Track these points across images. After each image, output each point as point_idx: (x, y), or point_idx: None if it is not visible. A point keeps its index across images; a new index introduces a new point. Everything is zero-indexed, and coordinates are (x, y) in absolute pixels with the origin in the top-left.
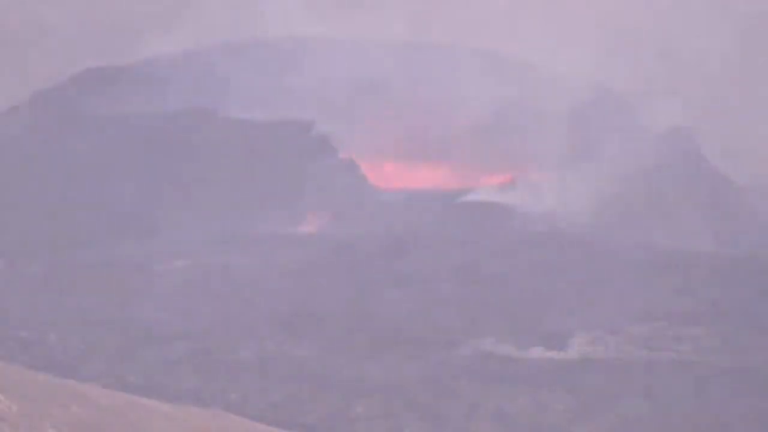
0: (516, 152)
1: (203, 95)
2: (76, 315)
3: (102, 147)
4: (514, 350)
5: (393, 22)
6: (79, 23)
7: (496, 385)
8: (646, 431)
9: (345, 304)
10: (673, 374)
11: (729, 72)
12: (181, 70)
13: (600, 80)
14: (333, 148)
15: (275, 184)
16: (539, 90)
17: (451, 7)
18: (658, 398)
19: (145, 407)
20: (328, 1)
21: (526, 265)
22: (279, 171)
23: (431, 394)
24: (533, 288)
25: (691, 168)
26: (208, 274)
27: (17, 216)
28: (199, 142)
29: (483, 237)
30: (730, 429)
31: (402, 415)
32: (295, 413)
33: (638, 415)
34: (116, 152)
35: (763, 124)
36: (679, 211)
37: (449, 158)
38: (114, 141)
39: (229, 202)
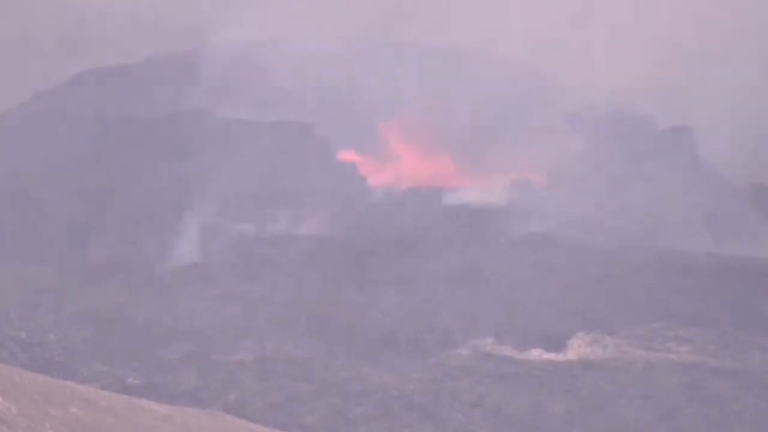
0: (515, 153)
1: (203, 95)
2: (76, 315)
3: (102, 147)
4: (514, 351)
5: (392, 22)
6: (79, 23)
7: (496, 385)
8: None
9: (345, 304)
10: (672, 374)
11: (728, 71)
12: (181, 70)
13: (599, 80)
14: (333, 149)
15: (275, 184)
16: (537, 90)
17: (450, 8)
18: (657, 399)
19: (145, 408)
20: (327, 1)
21: (525, 266)
22: (279, 171)
23: (431, 394)
24: (532, 289)
25: (691, 168)
26: (207, 274)
27: (17, 216)
28: (199, 142)
29: (482, 238)
30: (730, 429)
31: (402, 415)
32: (294, 413)
33: (637, 415)
34: (116, 152)
35: (763, 124)
36: (678, 211)
37: (449, 159)
38: (114, 141)
39: (228, 202)
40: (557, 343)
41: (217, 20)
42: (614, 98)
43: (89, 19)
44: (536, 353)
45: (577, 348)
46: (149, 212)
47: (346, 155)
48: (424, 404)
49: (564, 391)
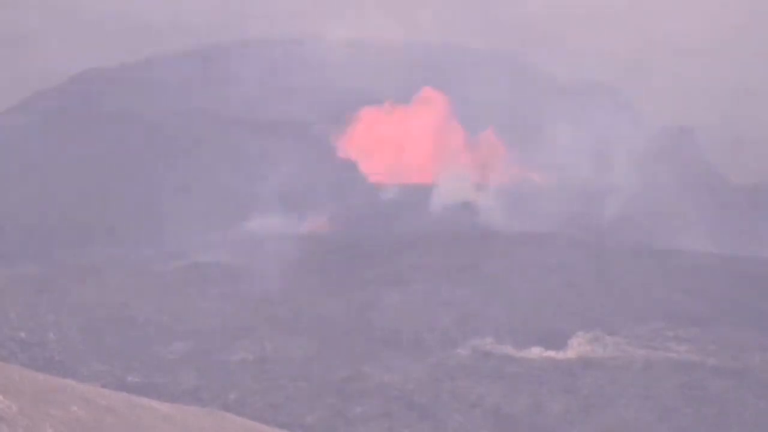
0: (516, 152)
1: (203, 95)
2: (76, 315)
3: (102, 147)
4: (513, 350)
5: (394, 22)
6: (79, 24)
7: (495, 385)
8: (644, 431)
9: (345, 304)
10: (672, 374)
11: (729, 70)
12: (181, 70)
13: (599, 79)
14: (333, 148)
15: (275, 184)
16: (538, 90)
17: (448, 8)
18: (657, 398)
19: (145, 407)
20: (327, 1)
21: (525, 265)
22: (279, 171)
23: (431, 394)
24: (533, 288)
25: (691, 168)
26: (207, 274)
27: (17, 216)
28: (199, 142)
29: (481, 237)
30: (730, 429)
31: (402, 415)
32: (294, 413)
33: (637, 415)
34: (116, 152)
35: (763, 124)
36: (679, 211)
37: (449, 159)
38: (114, 141)
39: (228, 202)
40: (557, 341)
41: (217, 20)
42: (614, 98)
43: (91, 19)
44: (536, 352)
45: (577, 347)
46: (149, 212)
47: (347, 154)
48: (424, 404)
49: (564, 390)
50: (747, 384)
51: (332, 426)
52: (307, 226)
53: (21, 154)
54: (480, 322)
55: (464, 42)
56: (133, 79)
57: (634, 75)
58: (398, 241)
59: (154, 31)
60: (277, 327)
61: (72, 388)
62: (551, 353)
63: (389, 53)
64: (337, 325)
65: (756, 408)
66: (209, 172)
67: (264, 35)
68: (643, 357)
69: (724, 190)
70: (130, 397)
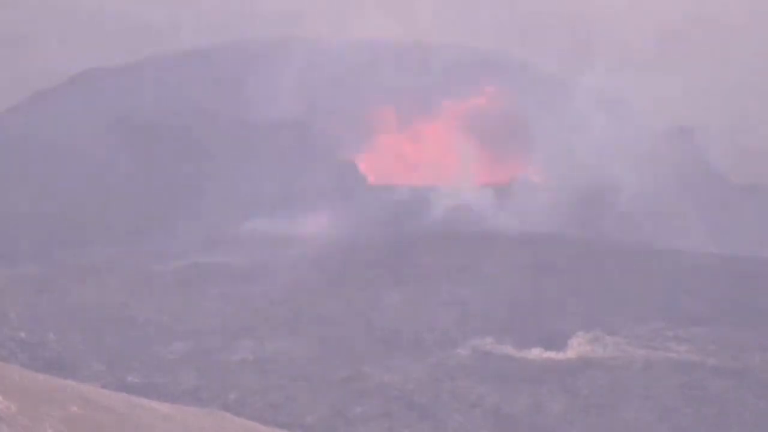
0: (514, 152)
1: (203, 95)
2: (76, 315)
3: (102, 147)
4: (513, 350)
5: (394, 22)
6: (79, 24)
7: (495, 385)
8: (644, 431)
9: (345, 304)
10: (672, 374)
11: (729, 70)
12: (181, 70)
13: (599, 79)
14: (332, 148)
15: (275, 184)
16: (537, 90)
17: (448, 8)
18: (657, 399)
19: (144, 407)
20: (326, 1)
21: (525, 265)
22: (279, 171)
23: (431, 394)
24: (533, 288)
25: (691, 168)
26: (207, 274)
27: (17, 216)
28: (199, 142)
29: (481, 237)
30: (730, 429)
31: (402, 415)
32: (294, 413)
33: (637, 415)
34: (116, 152)
35: (764, 124)
36: (679, 211)
37: (449, 158)
38: (114, 141)
39: (228, 202)
40: (557, 341)
41: (217, 20)
42: (614, 98)
43: (90, 19)
44: (536, 352)
45: (577, 347)
46: (149, 212)
47: (347, 154)
48: (424, 404)
49: (564, 390)
50: (747, 384)
51: (332, 426)
52: (308, 226)
53: (21, 154)
54: (480, 322)
55: (464, 42)
56: (133, 79)
57: (634, 75)
58: (398, 241)
59: (154, 31)
60: (277, 327)
61: (72, 388)
62: (551, 353)
63: (390, 53)
64: (337, 325)
65: (756, 408)
66: (209, 172)
67: (264, 35)
68: (643, 357)
69: (724, 190)
70: (130, 397)
